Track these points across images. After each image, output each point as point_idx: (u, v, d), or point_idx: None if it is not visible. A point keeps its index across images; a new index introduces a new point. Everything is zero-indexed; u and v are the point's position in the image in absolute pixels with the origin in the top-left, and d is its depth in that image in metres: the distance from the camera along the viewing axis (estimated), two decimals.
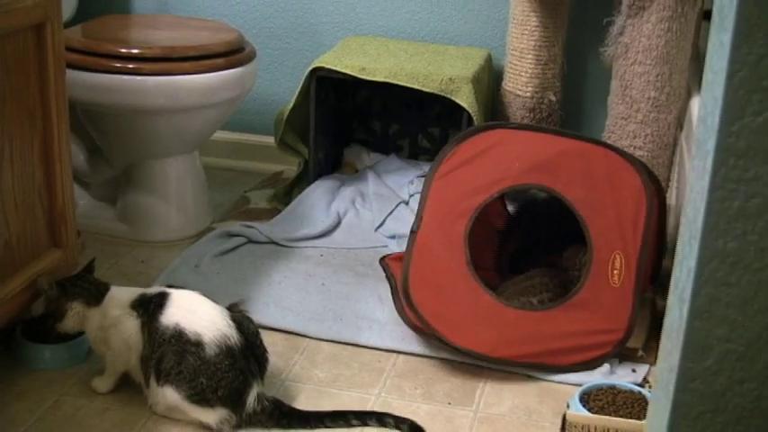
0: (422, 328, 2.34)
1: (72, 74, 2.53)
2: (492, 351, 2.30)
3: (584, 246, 2.41)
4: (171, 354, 2.02)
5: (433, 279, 2.36)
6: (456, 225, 2.40)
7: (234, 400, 2.03)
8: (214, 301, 2.12)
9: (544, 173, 2.44)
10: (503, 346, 2.31)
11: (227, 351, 2.02)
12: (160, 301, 2.09)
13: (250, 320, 2.13)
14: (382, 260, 2.69)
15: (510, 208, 2.81)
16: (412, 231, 2.42)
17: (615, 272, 2.36)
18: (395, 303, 2.43)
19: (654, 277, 2.56)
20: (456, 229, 2.40)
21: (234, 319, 2.07)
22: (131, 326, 2.09)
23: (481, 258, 2.61)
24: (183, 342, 2.02)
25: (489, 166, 2.46)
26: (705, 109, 1.08)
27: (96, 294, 2.16)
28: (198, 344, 2.01)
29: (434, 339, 2.33)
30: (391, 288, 2.51)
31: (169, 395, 2.04)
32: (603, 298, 2.35)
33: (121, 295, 2.16)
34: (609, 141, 2.80)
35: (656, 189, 2.44)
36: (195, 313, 2.06)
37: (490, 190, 2.43)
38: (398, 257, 2.60)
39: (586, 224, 2.39)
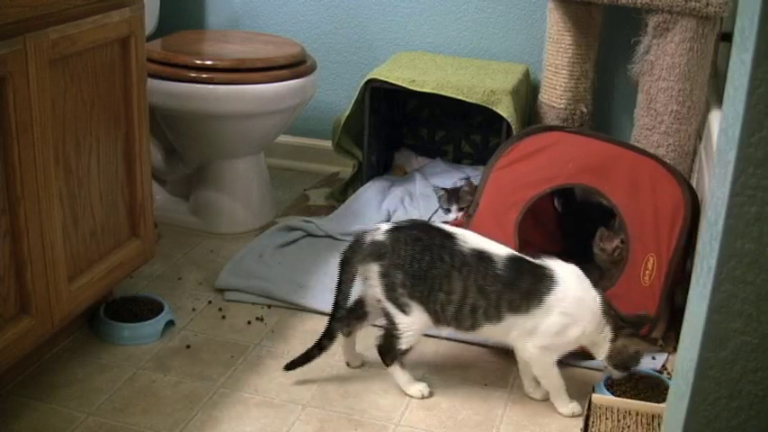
0: None
1: (152, 82, 2.56)
2: None
3: (611, 232, 2.42)
4: None
5: None
6: (509, 214, 2.38)
7: None
8: None
9: (594, 175, 2.39)
10: None
11: None
12: None
13: None
14: None
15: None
16: (468, 215, 2.40)
17: (647, 272, 2.32)
18: None
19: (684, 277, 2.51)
20: (508, 217, 2.38)
21: None
22: None
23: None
24: None
25: (544, 163, 2.42)
26: (726, 122, 1.07)
27: None
28: None
29: None
30: None
31: None
32: (633, 294, 2.31)
33: None
34: None
35: (693, 201, 2.39)
36: None
37: (543, 185, 2.40)
38: None
39: (626, 227, 2.35)
